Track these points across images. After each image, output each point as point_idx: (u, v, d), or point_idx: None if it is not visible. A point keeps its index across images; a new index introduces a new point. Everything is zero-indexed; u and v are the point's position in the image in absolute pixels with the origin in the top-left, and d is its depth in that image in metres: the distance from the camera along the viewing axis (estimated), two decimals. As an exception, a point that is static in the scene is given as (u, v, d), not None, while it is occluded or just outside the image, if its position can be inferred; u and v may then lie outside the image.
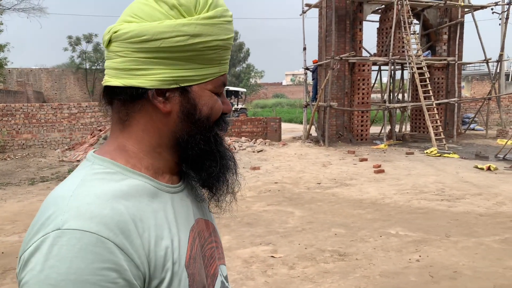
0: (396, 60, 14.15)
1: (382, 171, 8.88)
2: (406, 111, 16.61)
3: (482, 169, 8.96)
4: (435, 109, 13.47)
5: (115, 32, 0.69)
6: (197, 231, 0.79)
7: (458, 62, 15.38)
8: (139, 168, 0.72)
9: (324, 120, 14.21)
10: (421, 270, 3.91)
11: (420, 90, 13.21)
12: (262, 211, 6.03)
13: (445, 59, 15.25)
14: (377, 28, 16.04)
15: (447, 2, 14.62)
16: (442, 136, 12.82)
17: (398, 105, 15.10)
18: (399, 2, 13.83)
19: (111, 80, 0.71)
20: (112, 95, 0.73)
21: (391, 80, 15.24)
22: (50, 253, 0.57)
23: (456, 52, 15.27)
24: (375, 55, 15.56)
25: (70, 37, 35.42)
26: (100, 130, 13.15)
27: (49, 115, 13.77)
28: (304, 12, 15.72)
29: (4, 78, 23.11)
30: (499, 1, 16.00)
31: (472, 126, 17.83)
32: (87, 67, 35.36)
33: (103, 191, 0.64)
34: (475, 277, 3.76)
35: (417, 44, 14.05)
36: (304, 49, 15.87)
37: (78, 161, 10.89)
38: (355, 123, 14.51)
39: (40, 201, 6.79)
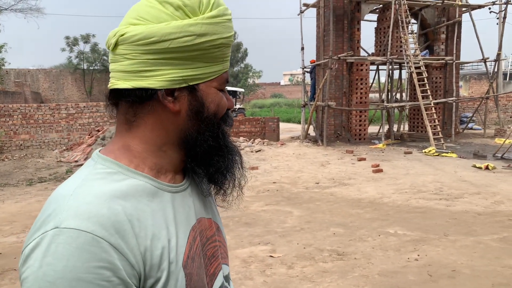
0: (394, 60, 14.17)
1: (381, 170, 8.89)
2: (404, 111, 16.63)
3: (480, 168, 8.98)
4: (433, 108, 13.49)
5: (122, 35, 0.70)
6: (199, 230, 0.79)
7: (456, 61, 15.41)
8: (142, 168, 0.73)
9: (322, 119, 14.21)
10: (420, 269, 3.92)
11: (418, 89, 13.23)
12: (260, 211, 6.03)
13: (443, 59, 15.27)
14: (375, 28, 16.06)
15: (445, 1, 14.64)
16: (440, 135, 12.84)
17: (396, 104, 15.12)
18: (396, 2, 13.84)
19: (119, 82, 0.72)
20: (119, 97, 0.74)
21: (389, 80, 15.27)
22: (48, 250, 0.59)
23: (454, 52, 15.30)
24: (373, 54, 15.57)
25: (67, 38, 35.32)
26: (98, 131, 13.12)
27: (47, 116, 13.74)
28: (302, 12, 15.73)
29: (1, 78, 23.06)
30: (497, 1, 16.04)
31: (470, 125, 17.86)
32: (85, 67, 35.27)
33: (102, 191, 0.65)
34: (473, 275, 3.76)
35: (415, 44, 14.07)
36: (302, 49, 15.88)
37: (76, 161, 10.87)
38: (353, 123, 14.52)
39: (38, 202, 6.77)
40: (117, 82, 0.72)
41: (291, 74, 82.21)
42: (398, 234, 4.93)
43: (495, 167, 9.02)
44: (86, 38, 35.40)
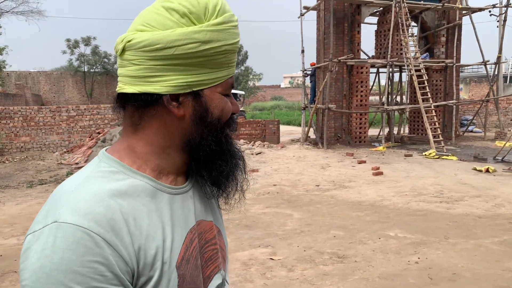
0: (394, 63, 14.19)
1: (381, 173, 8.89)
2: (404, 113, 16.65)
3: (480, 171, 8.97)
4: (433, 111, 13.49)
5: (129, 41, 0.72)
6: (198, 232, 0.80)
7: (456, 64, 15.43)
8: (144, 169, 0.75)
9: (323, 122, 14.22)
10: (420, 272, 3.91)
11: (418, 92, 13.24)
12: (260, 214, 6.03)
13: (443, 61, 15.29)
14: (375, 31, 16.08)
15: (445, 4, 14.68)
16: (441, 138, 12.84)
17: (397, 107, 15.13)
18: (397, 5, 13.87)
19: (126, 87, 0.74)
20: (126, 101, 0.76)
21: (389, 83, 15.28)
22: (47, 243, 0.61)
23: (454, 54, 15.32)
24: (373, 57, 15.59)
25: (68, 40, 35.34)
26: (99, 133, 13.14)
27: (48, 118, 13.76)
28: (302, 14, 15.75)
29: (2, 81, 23.08)
30: (497, 3, 16.07)
31: (470, 128, 17.86)
32: (86, 70, 35.27)
33: (101, 189, 0.68)
34: (474, 279, 3.76)
35: (415, 47, 14.08)
36: (302, 51, 15.90)
37: (77, 163, 10.88)
38: (353, 125, 14.53)
39: (38, 204, 6.78)
40: (124, 86, 0.74)
41: (291, 77, 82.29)
42: (399, 237, 4.93)
43: (496, 170, 9.01)
44: (87, 41, 35.43)
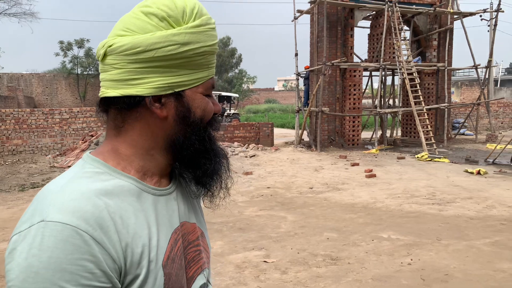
0: (387, 66, 14.30)
1: (374, 175, 8.94)
2: (397, 116, 16.75)
3: (472, 173, 9.06)
4: (425, 114, 13.61)
5: (110, 46, 0.73)
6: (182, 233, 0.82)
7: (448, 68, 15.59)
8: (129, 170, 0.76)
9: (316, 125, 14.28)
10: (413, 273, 3.94)
11: (410, 95, 13.35)
12: (254, 216, 6.03)
13: (435, 65, 15.44)
14: (368, 34, 16.20)
15: (437, 9, 14.83)
16: (433, 141, 12.95)
17: (389, 110, 15.23)
18: (389, 9, 14.00)
19: (108, 91, 0.75)
20: (109, 104, 0.77)
21: (382, 86, 15.39)
22: (34, 242, 0.62)
23: (446, 58, 15.48)
24: (366, 61, 15.69)
25: (61, 42, 35.17)
26: (92, 136, 13.07)
27: (40, 121, 13.66)
28: (295, 18, 15.82)
29: (-6, 83, 22.89)
30: (488, 8, 16.27)
31: (462, 131, 18.03)
32: (79, 72, 35.12)
33: (87, 189, 0.69)
34: (466, 279, 3.79)
35: (407, 50, 14.21)
36: (296, 55, 15.96)
37: (70, 166, 10.80)
38: (346, 128, 14.60)
39: (30, 207, 6.72)
40: (107, 90, 0.75)
41: (285, 80, 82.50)
42: (391, 238, 4.96)
43: (487, 172, 9.10)
44: (80, 43, 35.28)
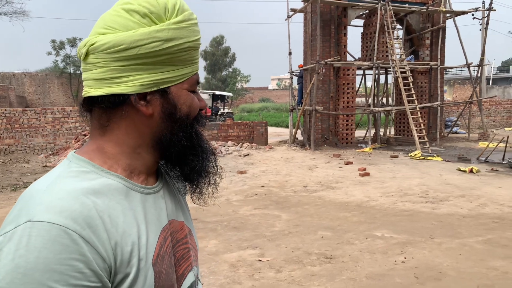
0: (380, 65, 14.35)
1: (367, 174, 8.97)
2: (390, 115, 16.83)
3: (464, 171, 9.13)
4: (418, 112, 13.68)
5: (92, 45, 0.72)
6: (170, 231, 0.81)
7: (441, 66, 15.67)
8: (115, 169, 0.75)
9: (310, 124, 14.30)
10: (406, 271, 3.97)
11: (403, 94, 13.41)
12: (249, 215, 6.03)
13: (427, 64, 15.52)
14: (361, 33, 16.24)
15: (429, 7, 14.91)
16: (426, 139, 13.02)
17: (383, 109, 15.29)
18: (382, 8, 14.04)
19: (92, 90, 0.74)
20: (93, 103, 0.76)
21: (375, 84, 15.44)
22: (21, 243, 0.60)
23: (439, 57, 15.56)
24: (359, 59, 15.74)
25: (53, 41, 34.83)
26: (85, 135, 12.99)
27: (32, 120, 13.55)
28: (289, 17, 15.82)
29: (-15, 82, 22.67)
30: (480, 7, 16.39)
31: (454, 129, 18.15)
32: (72, 71, 34.84)
33: (74, 188, 0.68)
34: (459, 277, 3.82)
35: (400, 49, 14.27)
36: (290, 53, 15.96)
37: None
38: (340, 127, 14.64)
39: (23, 207, 6.66)
40: (91, 90, 0.75)
41: (278, 79, 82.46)
42: (385, 237, 4.98)
43: (479, 170, 9.18)
44: (72, 42, 34.98)
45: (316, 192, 7.48)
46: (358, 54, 16.61)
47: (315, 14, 14.11)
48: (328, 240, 4.90)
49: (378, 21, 14.06)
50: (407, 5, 14.98)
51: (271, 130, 18.95)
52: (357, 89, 16.08)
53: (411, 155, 11.69)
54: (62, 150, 12.74)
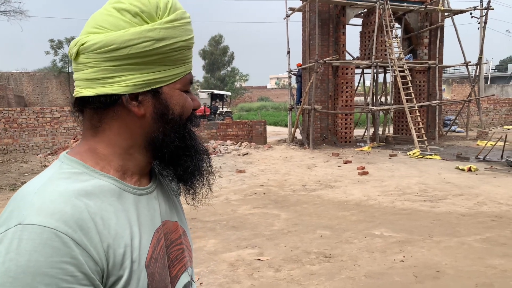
0: (378, 64, 14.36)
1: (366, 173, 8.98)
2: (389, 114, 16.85)
3: (463, 170, 9.14)
4: (417, 111, 13.69)
5: (83, 45, 0.71)
6: (164, 232, 0.81)
7: (439, 65, 15.69)
8: (108, 170, 0.74)
9: (309, 123, 14.30)
10: (405, 270, 3.97)
11: (402, 93, 13.42)
12: (247, 214, 6.03)
13: (426, 63, 15.54)
14: (360, 32, 16.25)
15: (428, 6, 14.92)
16: (424, 138, 13.03)
17: (381, 107, 15.30)
18: (381, 6, 14.05)
19: (83, 91, 0.73)
20: (84, 104, 0.75)
21: (374, 83, 15.45)
22: (11, 246, 0.59)
23: (437, 56, 15.58)
24: (358, 58, 15.75)
25: (52, 41, 34.79)
26: (83, 135, 12.97)
27: (31, 120, 13.53)
28: (287, 16, 15.81)
29: (-17, 82, 22.63)
30: (478, 6, 16.40)
31: (453, 128, 18.17)
32: (70, 70, 34.76)
33: (66, 190, 0.67)
34: (457, 276, 3.83)
35: (399, 48, 14.28)
36: (288, 52, 15.95)
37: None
38: (339, 126, 14.65)
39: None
40: (82, 90, 0.74)
41: (277, 78, 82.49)
42: (384, 235, 4.99)
43: (478, 169, 9.19)
44: (70, 41, 34.91)
45: (315, 191, 7.49)
46: (356, 53, 16.62)
47: (313, 13, 14.10)
48: (327, 239, 4.90)
49: (377, 20, 14.07)
50: (405, 4, 14.99)
51: (270, 129, 18.95)
52: (355, 88, 16.08)
53: (409, 154, 11.70)
54: (60, 149, 12.73)
